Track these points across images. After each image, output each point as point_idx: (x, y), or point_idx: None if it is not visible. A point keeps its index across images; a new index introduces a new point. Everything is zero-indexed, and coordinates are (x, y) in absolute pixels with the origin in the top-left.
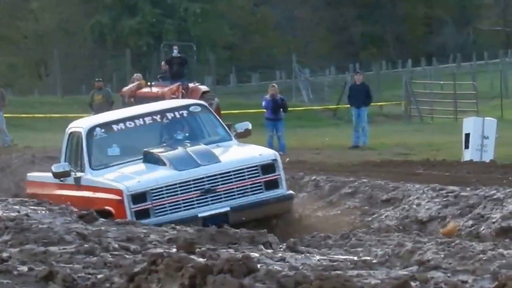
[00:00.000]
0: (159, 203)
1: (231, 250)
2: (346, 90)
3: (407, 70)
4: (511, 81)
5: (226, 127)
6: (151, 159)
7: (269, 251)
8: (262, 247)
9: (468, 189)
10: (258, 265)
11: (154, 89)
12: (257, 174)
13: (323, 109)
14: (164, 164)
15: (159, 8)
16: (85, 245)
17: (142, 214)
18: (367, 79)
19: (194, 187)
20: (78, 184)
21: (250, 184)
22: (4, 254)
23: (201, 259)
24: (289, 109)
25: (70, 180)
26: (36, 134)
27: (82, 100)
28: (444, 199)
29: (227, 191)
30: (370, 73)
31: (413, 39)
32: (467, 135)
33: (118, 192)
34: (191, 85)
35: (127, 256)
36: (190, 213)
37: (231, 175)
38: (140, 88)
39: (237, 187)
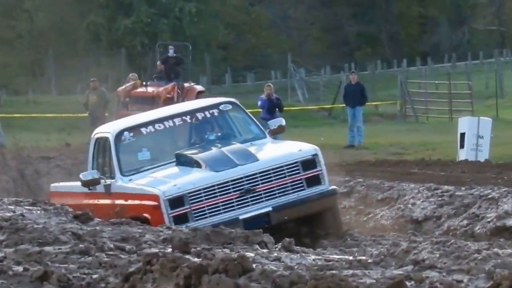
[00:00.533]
0: (197, 207)
1: (226, 250)
2: (341, 90)
3: (402, 70)
4: (506, 81)
5: (259, 125)
6: (185, 162)
7: (264, 250)
8: (257, 247)
9: (463, 188)
10: (253, 265)
11: (149, 89)
12: (297, 171)
13: (318, 109)
14: (199, 165)
15: (154, 7)
16: (80, 245)
17: (181, 219)
18: (362, 78)
19: (233, 188)
20: (108, 192)
21: (291, 182)
22: None
23: (196, 259)
24: (284, 108)
25: (99, 189)
26: (31, 134)
27: (77, 100)
28: (439, 198)
29: (268, 191)
30: (365, 73)
31: (408, 38)
32: (462, 135)
33: (154, 197)
34: (186, 85)
35: (122, 256)
36: (230, 216)
37: (270, 174)
38: (135, 88)
39: (277, 186)
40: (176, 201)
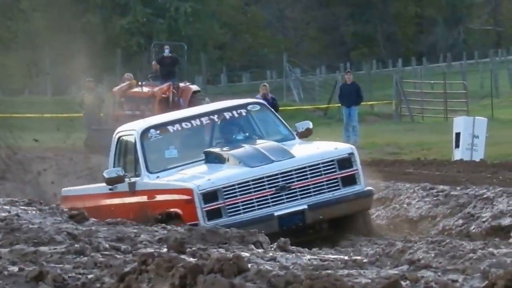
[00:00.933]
0: (231, 202)
1: (222, 250)
2: (336, 90)
3: (398, 70)
4: (501, 81)
5: (288, 126)
6: (215, 159)
7: (260, 250)
8: (252, 246)
9: (459, 188)
10: (249, 265)
11: (145, 89)
12: (333, 170)
13: (314, 109)
14: (232, 162)
15: (150, 7)
16: (76, 245)
17: (214, 214)
18: (358, 78)
19: (268, 184)
20: (132, 190)
21: (326, 180)
22: None
23: (191, 259)
24: (280, 108)
25: (122, 187)
26: (26, 134)
27: (72, 100)
28: (435, 198)
29: (303, 188)
30: (361, 73)
31: (404, 38)
32: (458, 135)
33: (188, 191)
34: (181, 84)
35: (118, 256)
36: (265, 212)
37: (306, 171)
38: (131, 88)
39: (313, 184)
40: (210, 196)
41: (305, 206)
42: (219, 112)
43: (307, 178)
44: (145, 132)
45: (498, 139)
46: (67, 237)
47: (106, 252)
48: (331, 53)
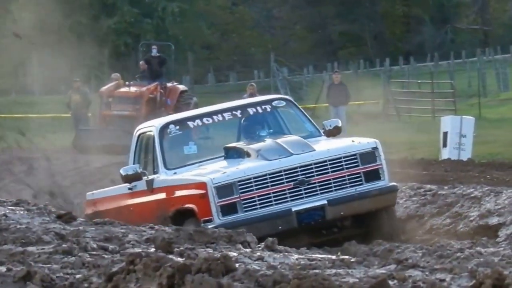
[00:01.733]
0: (247, 197)
1: (210, 250)
2: (324, 89)
3: (385, 69)
4: (489, 80)
5: (314, 123)
6: (235, 154)
7: (248, 250)
8: (240, 246)
9: (446, 187)
10: (237, 265)
11: (132, 89)
12: (355, 164)
13: (302, 108)
14: (250, 155)
15: (138, 7)
16: (63, 245)
17: (229, 209)
18: (345, 78)
19: (287, 178)
20: (150, 188)
21: (348, 175)
22: None
23: (179, 259)
24: None
25: (140, 187)
26: (14, 134)
27: (60, 100)
28: (422, 197)
29: (323, 183)
30: (348, 72)
31: (391, 38)
32: (445, 134)
33: (202, 185)
34: (169, 84)
35: (105, 256)
36: (282, 207)
37: (327, 165)
38: (118, 88)
39: (334, 178)
40: (224, 190)
41: (325, 202)
42: (242, 107)
43: (327, 173)
44: (164, 128)
45: (485, 138)
46: (55, 237)
47: (94, 252)
48: (318, 53)
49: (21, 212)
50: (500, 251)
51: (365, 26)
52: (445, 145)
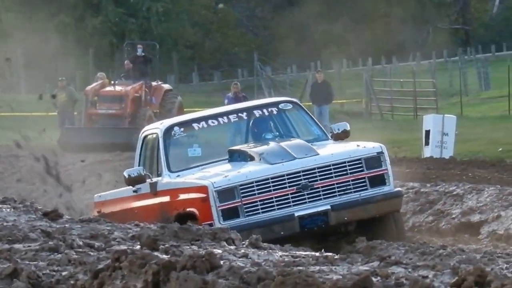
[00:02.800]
0: (249, 201)
1: (194, 247)
2: (307, 88)
3: (368, 68)
4: (470, 79)
5: (322, 126)
6: (238, 157)
7: (232, 247)
8: (225, 243)
9: (428, 185)
10: (221, 262)
11: (118, 88)
12: (360, 169)
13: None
14: (253, 159)
15: (122, 7)
16: (50, 243)
17: (230, 214)
18: (328, 77)
19: (289, 182)
20: (154, 191)
21: (353, 180)
22: None
23: (164, 256)
24: None
25: (144, 189)
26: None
27: (46, 99)
28: (405, 195)
29: (327, 188)
30: (331, 71)
31: (374, 37)
32: (427, 132)
33: (203, 189)
34: (154, 83)
35: (91, 253)
36: (285, 212)
37: (331, 169)
38: (104, 87)
39: (337, 183)
40: (226, 194)
41: (328, 207)
42: (248, 109)
43: (331, 177)
44: (168, 130)
45: (467, 137)
46: (41, 235)
47: (80, 249)
48: (301, 52)
49: (8, 209)
50: (482, 248)
51: (347, 25)
52: (427, 143)
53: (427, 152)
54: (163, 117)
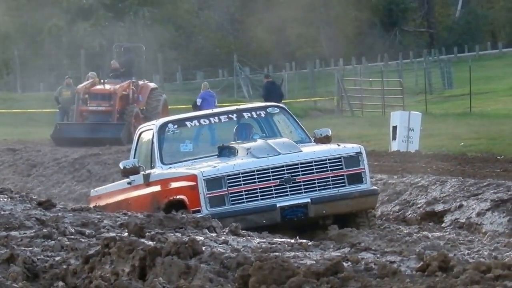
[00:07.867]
0: (235, 190)
1: (178, 234)
2: (284, 87)
3: (339, 68)
4: (434, 78)
5: (305, 130)
6: (227, 152)
7: (213, 234)
8: (206, 231)
9: (395, 177)
10: (203, 248)
11: (107, 86)
12: (339, 167)
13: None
14: (241, 154)
15: (111, 11)
16: (44, 230)
17: (217, 201)
18: (302, 76)
19: (273, 175)
20: (147, 182)
21: (332, 177)
22: None
23: (150, 242)
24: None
25: (138, 180)
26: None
27: (40, 96)
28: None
29: (308, 182)
30: (305, 71)
31: (345, 39)
32: (394, 128)
33: (192, 177)
34: (140, 82)
35: (83, 240)
36: (267, 203)
37: (312, 166)
38: (94, 85)
39: (318, 179)
40: (214, 182)
41: (309, 200)
42: (238, 112)
43: (312, 173)
44: (163, 126)
45: (431, 132)
46: (36, 223)
47: (72, 236)
48: (277, 53)
49: (5, 199)
50: (445, 236)
51: (320, 29)
52: (394, 138)
53: (394, 146)
54: (149, 114)
